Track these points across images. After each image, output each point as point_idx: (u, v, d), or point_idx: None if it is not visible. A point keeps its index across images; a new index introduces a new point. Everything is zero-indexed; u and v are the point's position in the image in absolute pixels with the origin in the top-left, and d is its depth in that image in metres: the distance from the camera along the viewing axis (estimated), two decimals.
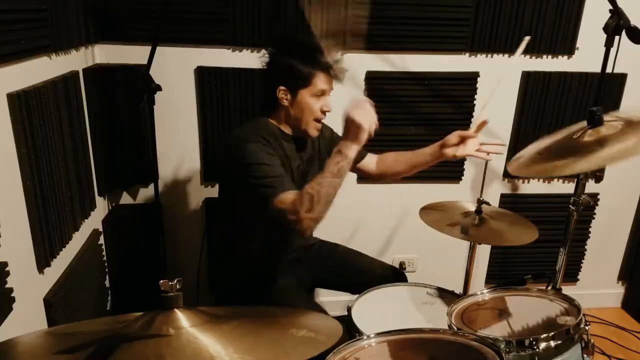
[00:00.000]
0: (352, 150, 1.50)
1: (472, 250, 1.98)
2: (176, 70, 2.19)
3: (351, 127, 1.49)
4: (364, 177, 2.44)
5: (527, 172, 1.67)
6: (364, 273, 1.92)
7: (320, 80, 1.65)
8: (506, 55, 2.36)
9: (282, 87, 1.66)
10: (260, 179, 1.55)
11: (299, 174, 1.77)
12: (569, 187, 2.61)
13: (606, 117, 1.53)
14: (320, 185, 1.48)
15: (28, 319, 1.44)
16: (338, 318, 1.08)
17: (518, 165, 1.64)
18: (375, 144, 2.39)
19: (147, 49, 1.81)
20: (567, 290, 1.72)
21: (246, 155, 1.58)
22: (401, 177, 1.98)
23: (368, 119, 1.49)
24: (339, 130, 1.97)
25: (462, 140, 1.75)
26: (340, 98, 2.31)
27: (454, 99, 2.40)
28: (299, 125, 1.71)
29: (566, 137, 1.60)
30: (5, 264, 1.29)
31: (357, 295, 1.78)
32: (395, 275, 1.96)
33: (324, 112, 1.70)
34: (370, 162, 1.99)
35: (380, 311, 1.72)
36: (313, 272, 1.93)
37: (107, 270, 2.18)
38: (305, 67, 1.63)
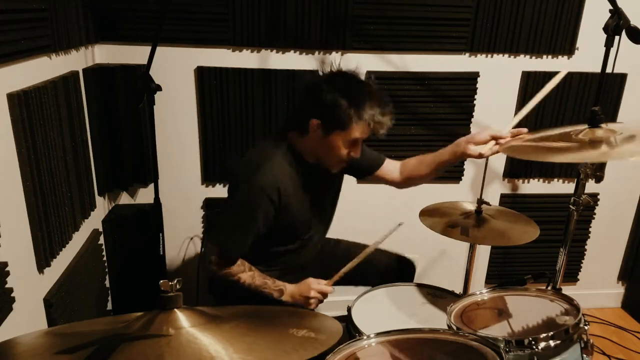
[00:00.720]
0: (285, 299, 1.70)
1: (472, 250, 1.98)
2: (176, 70, 2.19)
3: (304, 297, 1.70)
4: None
5: (515, 150, 1.64)
6: (368, 263, 1.89)
7: (358, 130, 1.55)
8: (506, 55, 2.36)
9: (316, 120, 1.56)
10: (233, 234, 1.64)
11: (314, 202, 1.75)
12: (569, 187, 2.61)
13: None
14: (252, 282, 1.67)
15: (28, 319, 1.44)
16: (338, 318, 1.08)
17: (508, 147, 1.64)
18: (376, 144, 2.40)
19: (147, 49, 1.81)
20: (567, 290, 1.72)
21: (234, 208, 1.65)
22: (427, 180, 1.89)
23: (312, 303, 1.70)
24: None
25: (492, 139, 1.63)
26: None
27: (454, 99, 2.40)
28: (321, 161, 1.66)
29: (562, 133, 1.62)
30: (5, 264, 1.29)
31: (357, 295, 1.78)
32: (401, 263, 1.94)
33: (351, 157, 1.63)
34: (393, 169, 1.91)
35: (380, 311, 1.72)
36: (315, 270, 1.92)
37: (107, 270, 2.18)
38: (349, 111, 1.52)
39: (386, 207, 2.53)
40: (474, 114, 2.43)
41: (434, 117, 2.40)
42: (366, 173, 1.90)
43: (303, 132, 1.62)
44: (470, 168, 2.52)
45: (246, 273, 1.67)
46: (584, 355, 1.37)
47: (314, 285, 1.70)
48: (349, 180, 2.46)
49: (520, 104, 2.43)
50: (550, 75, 2.38)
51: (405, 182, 1.91)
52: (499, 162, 2.53)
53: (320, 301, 1.73)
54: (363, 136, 1.59)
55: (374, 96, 1.56)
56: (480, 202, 1.89)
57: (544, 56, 2.38)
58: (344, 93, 1.53)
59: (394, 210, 2.53)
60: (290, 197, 1.63)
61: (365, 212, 2.52)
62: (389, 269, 1.90)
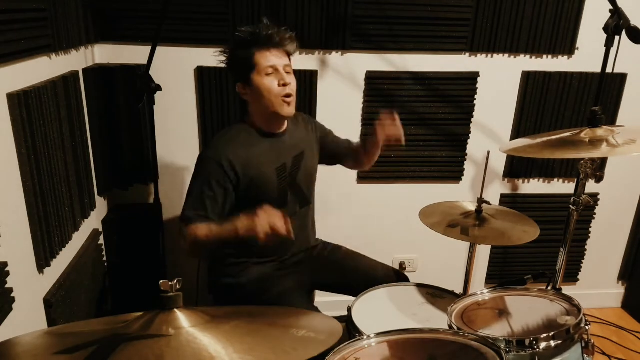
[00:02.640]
0: (243, 232, 1.51)
1: (472, 250, 1.98)
2: (176, 70, 2.19)
3: (253, 224, 1.47)
4: (362, 175, 2.45)
5: (519, 151, 1.74)
6: (365, 277, 1.89)
7: (263, 57, 1.62)
8: (506, 55, 2.36)
9: (238, 84, 1.68)
10: (192, 203, 1.63)
11: (284, 174, 1.75)
12: (569, 187, 2.61)
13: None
14: (207, 238, 1.57)
15: (28, 319, 1.44)
16: (338, 318, 1.08)
17: (511, 148, 1.73)
18: None
19: (147, 49, 1.81)
20: (567, 290, 1.72)
21: (195, 176, 1.66)
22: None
23: (264, 228, 1.46)
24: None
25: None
26: (340, 98, 2.32)
27: (454, 99, 2.39)
28: (269, 110, 1.67)
29: (562, 134, 1.65)
30: (5, 264, 1.29)
31: (357, 295, 1.78)
32: (398, 278, 1.95)
33: (284, 86, 1.64)
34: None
35: (380, 311, 1.72)
36: (313, 274, 1.91)
37: (107, 270, 2.18)
38: (241, 52, 1.63)
39: (386, 207, 2.53)
40: (474, 114, 2.43)
41: (434, 117, 2.40)
42: (344, 156, 1.99)
43: (245, 106, 1.72)
44: (470, 168, 2.52)
45: (201, 227, 1.57)
46: (585, 355, 1.37)
47: (264, 214, 1.49)
48: (348, 180, 2.48)
49: (521, 104, 2.43)
50: (550, 75, 2.39)
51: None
52: (499, 162, 2.53)
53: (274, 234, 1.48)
54: (277, 60, 1.64)
55: (253, 26, 1.65)
56: (481, 201, 1.89)
57: (544, 56, 2.38)
58: (231, 45, 1.68)
59: (394, 211, 2.53)
60: (250, 167, 1.65)
61: (365, 212, 2.52)
62: (387, 282, 1.88)
